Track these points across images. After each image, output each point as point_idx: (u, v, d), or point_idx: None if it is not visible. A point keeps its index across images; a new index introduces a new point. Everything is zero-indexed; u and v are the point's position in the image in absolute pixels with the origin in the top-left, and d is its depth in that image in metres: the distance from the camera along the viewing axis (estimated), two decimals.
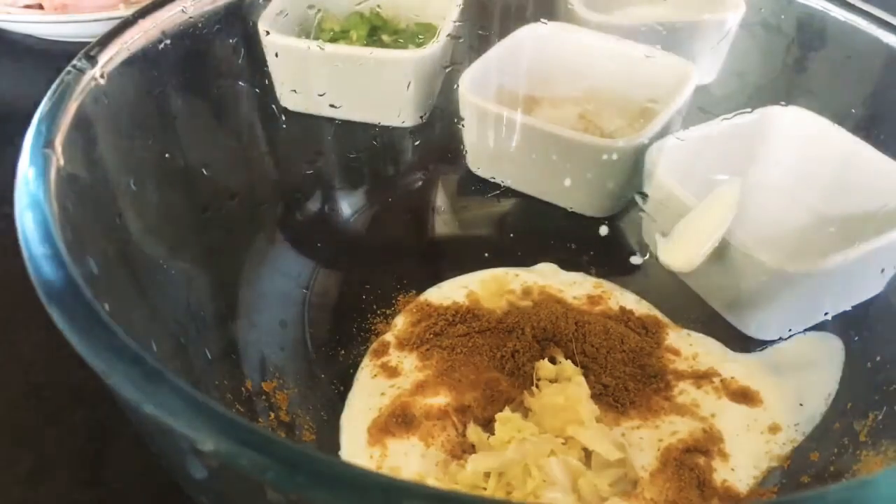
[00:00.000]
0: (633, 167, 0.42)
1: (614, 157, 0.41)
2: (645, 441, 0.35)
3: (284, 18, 0.41)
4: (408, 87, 0.42)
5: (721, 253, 0.37)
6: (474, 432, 0.34)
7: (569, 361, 0.37)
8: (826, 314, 0.37)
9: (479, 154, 0.46)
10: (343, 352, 0.39)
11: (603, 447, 0.33)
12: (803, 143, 0.39)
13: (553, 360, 0.38)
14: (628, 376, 0.37)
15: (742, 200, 0.37)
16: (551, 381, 0.36)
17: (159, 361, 0.19)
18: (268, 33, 0.39)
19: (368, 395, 0.37)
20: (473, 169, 0.46)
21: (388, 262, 0.44)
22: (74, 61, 0.29)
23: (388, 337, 0.40)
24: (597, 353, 0.38)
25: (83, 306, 0.20)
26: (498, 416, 0.34)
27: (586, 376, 0.37)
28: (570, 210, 0.45)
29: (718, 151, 0.41)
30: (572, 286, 0.43)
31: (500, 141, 0.44)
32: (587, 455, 0.33)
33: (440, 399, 0.35)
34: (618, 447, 0.33)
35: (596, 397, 0.36)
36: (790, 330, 0.38)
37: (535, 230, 0.47)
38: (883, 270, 0.35)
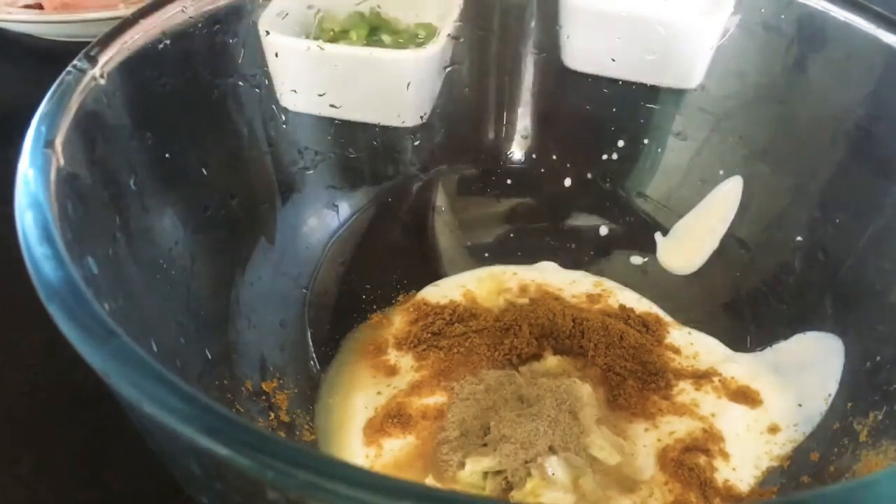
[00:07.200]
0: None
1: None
2: (643, 441, 0.35)
3: (284, 18, 0.41)
4: (408, 87, 0.42)
5: None
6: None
7: (558, 357, 0.37)
8: None
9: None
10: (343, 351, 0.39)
11: (603, 453, 0.33)
12: None
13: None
14: (628, 372, 0.37)
15: None
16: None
17: (159, 361, 0.19)
18: (268, 33, 0.39)
19: (365, 394, 0.37)
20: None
21: (387, 262, 0.44)
22: (74, 61, 0.29)
23: (386, 336, 0.40)
24: (595, 350, 0.38)
25: (83, 306, 0.20)
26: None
27: (585, 372, 0.37)
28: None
29: None
30: (572, 284, 0.43)
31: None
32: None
33: (437, 399, 0.35)
34: (618, 449, 0.33)
35: (594, 391, 0.36)
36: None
37: (535, 230, 0.47)
38: None
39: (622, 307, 0.41)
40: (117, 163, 0.31)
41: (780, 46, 0.39)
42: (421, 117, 0.44)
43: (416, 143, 0.46)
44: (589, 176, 0.46)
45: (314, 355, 0.39)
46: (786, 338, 0.39)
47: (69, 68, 0.29)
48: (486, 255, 0.45)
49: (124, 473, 0.34)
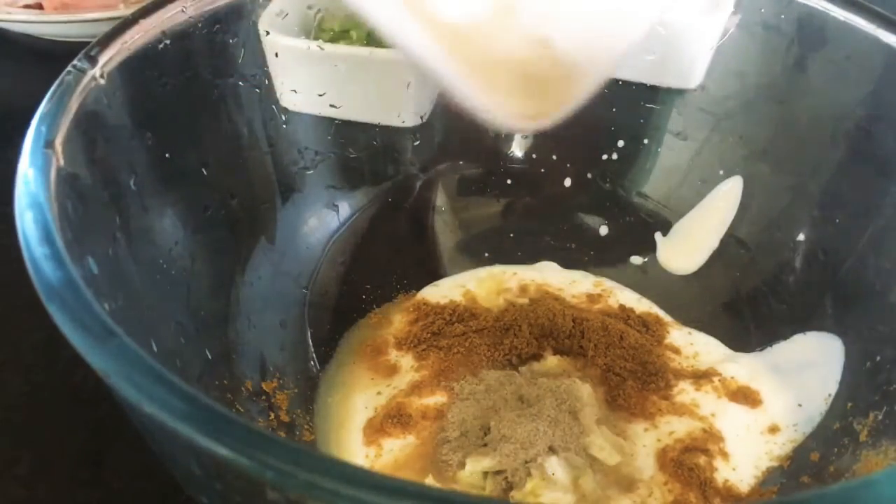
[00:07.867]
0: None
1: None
2: (643, 441, 0.35)
3: (284, 18, 0.41)
4: (408, 87, 0.42)
5: None
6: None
7: (558, 357, 0.37)
8: None
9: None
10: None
11: (603, 453, 0.33)
12: None
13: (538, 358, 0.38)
14: (628, 373, 0.37)
15: None
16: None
17: (159, 361, 0.19)
18: (268, 33, 0.39)
19: (365, 394, 0.37)
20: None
21: (387, 262, 0.44)
22: (74, 61, 0.29)
23: (386, 336, 0.40)
24: (595, 350, 0.38)
25: (83, 306, 0.20)
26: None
27: (585, 372, 0.37)
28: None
29: None
30: (572, 284, 0.43)
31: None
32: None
33: (437, 399, 0.35)
34: (618, 449, 0.33)
35: (594, 391, 0.36)
36: None
37: (535, 230, 0.47)
38: None
39: (622, 307, 0.41)
40: (117, 163, 0.31)
41: (780, 46, 0.39)
42: (421, 117, 0.44)
43: (416, 143, 0.46)
44: (589, 176, 0.46)
45: (314, 355, 0.39)
46: (786, 338, 0.39)
47: (69, 68, 0.29)
48: (486, 255, 0.45)
49: (124, 473, 0.34)
